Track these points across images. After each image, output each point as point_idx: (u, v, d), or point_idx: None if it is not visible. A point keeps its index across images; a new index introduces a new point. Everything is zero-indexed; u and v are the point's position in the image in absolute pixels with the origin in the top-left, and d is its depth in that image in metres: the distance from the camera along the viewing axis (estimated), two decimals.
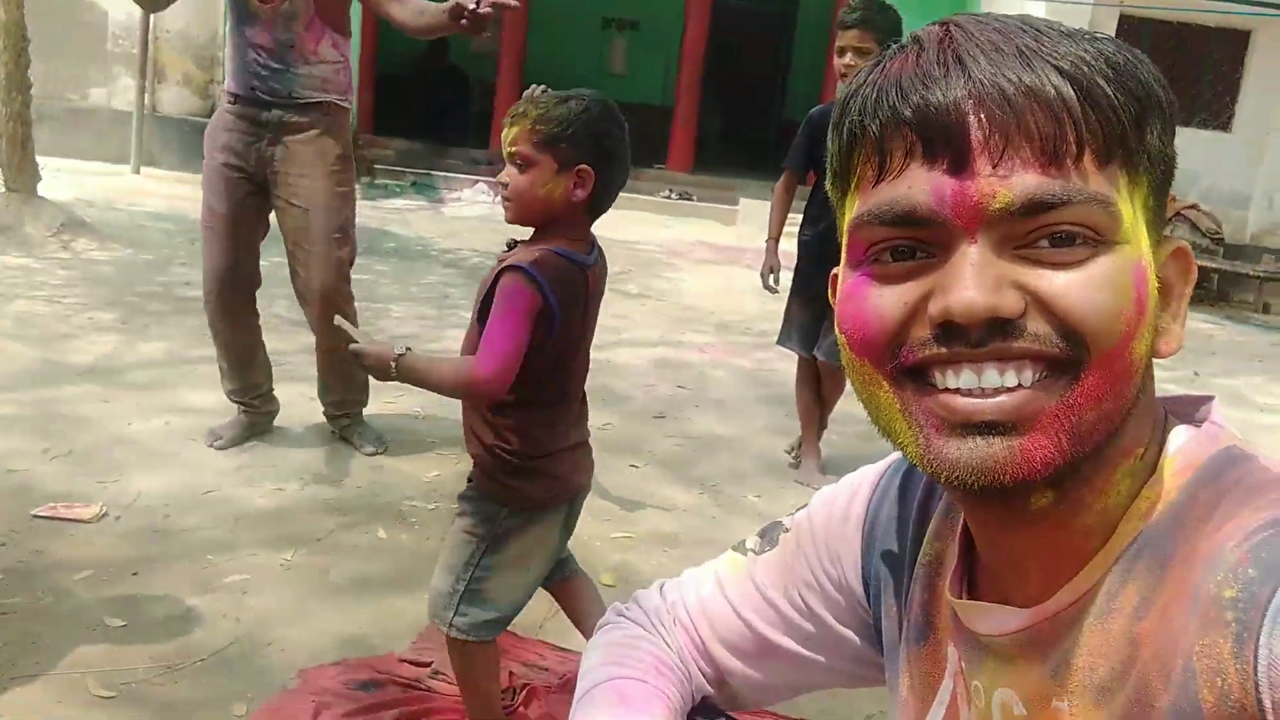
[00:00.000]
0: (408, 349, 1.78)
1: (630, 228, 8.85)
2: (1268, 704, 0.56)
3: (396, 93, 12.56)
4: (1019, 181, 0.64)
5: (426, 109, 13.10)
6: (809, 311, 3.64)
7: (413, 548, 2.77)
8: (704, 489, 3.48)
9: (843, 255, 0.74)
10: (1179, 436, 0.72)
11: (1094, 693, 0.67)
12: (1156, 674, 0.63)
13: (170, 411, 3.58)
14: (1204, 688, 0.60)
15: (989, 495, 0.66)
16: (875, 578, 0.91)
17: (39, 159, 6.48)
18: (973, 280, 0.64)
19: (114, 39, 10.19)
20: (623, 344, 5.25)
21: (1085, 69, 0.65)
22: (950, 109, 0.64)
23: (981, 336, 0.64)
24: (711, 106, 13.76)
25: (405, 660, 2.21)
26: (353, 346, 1.79)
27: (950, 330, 0.65)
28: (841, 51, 3.36)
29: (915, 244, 0.67)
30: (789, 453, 3.88)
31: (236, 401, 3.40)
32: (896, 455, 0.92)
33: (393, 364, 1.74)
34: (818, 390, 3.71)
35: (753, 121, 15.62)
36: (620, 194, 1.89)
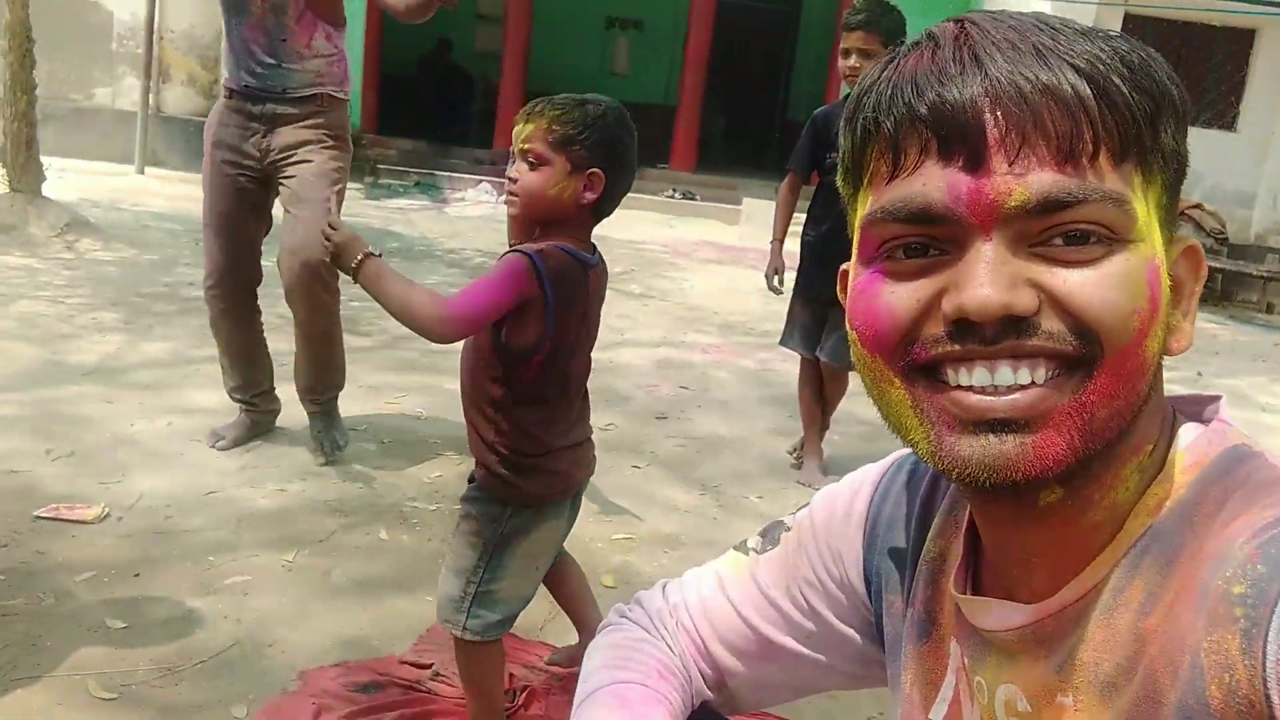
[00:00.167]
0: (381, 253, 1.75)
1: (633, 227, 8.85)
2: (1276, 700, 0.56)
3: (400, 93, 12.59)
4: (1035, 179, 0.64)
5: (430, 109, 13.12)
6: (811, 312, 3.64)
7: (414, 549, 2.76)
8: (706, 490, 3.47)
9: (854, 251, 0.74)
10: (1188, 434, 0.72)
11: (1099, 688, 0.67)
12: (1164, 670, 0.63)
13: (173, 412, 3.57)
14: (1212, 684, 0.60)
15: (1000, 492, 0.67)
16: (877, 575, 0.91)
17: (43, 159, 6.49)
18: (987, 278, 0.64)
19: (119, 39, 10.22)
20: (625, 344, 5.24)
21: (1101, 67, 0.65)
22: (967, 106, 0.64)
23: (995, 334, 0.64)
24: (715, 106, 13.77)
25: (406, 662, 2.20)
26: (330, 219, 1.77)
27: (964, 327, 0.65)
28: (846, 53, 3.36)
29: (929, 241, 0.67)
30: (791, 453, 3.88)
31: (238, 400, 3.39)
32: (899, 453, 0.93)
33: (360, 256, 1.70)
34: (820, 391, 3.70)
35: (756, 121, 15.63)
36: None
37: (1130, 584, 0.68)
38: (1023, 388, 0.65)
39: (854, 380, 3.40)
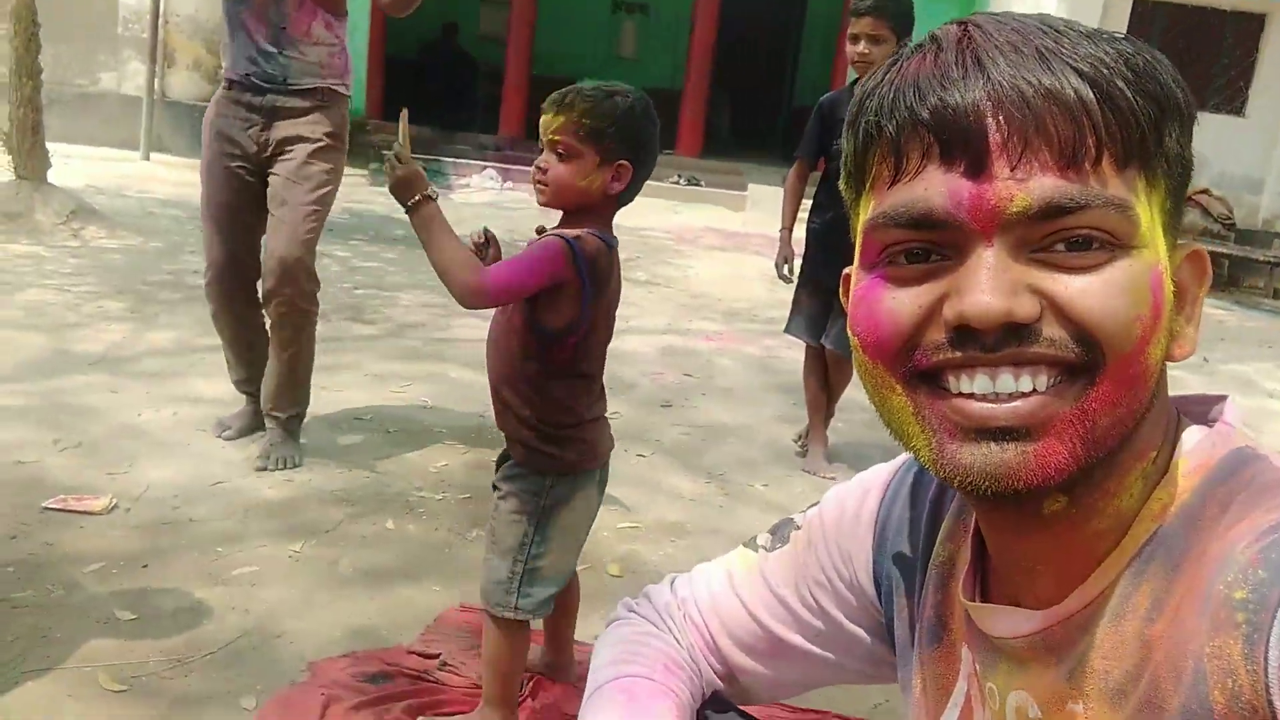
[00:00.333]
0: (438, 196, 1.80)
1: (639, 214, 8.80)
2: (1278, 705, 0.56)
3: (405, 78, 12.55)
4: (1037, 185, 0.63)
5: (435, 94, 13.08)
6: (817, 300, 3.63)
7: (421, 538, 2.77)
8: (711, 478, 3.47)
9: (856, 256, 0.74)
10: (1191, 437, 0.72)
11: (1109, 695, 0.67)
12: (1168, 675, 0.63)
13: (179, 401, 3.58)
14: (1215, 689, 0.60)
15: (1002, 500, 0.66)
16: (887, 578, 0.91)
17: (49, 145, 6.46)
18: (989, 284, 0.64)
19: (124, 23, 10.20)
20: (630, 331, 5.24)
21: (1105, 71, 0.64)
22: (969, 110, 0.64)
23: (997, 341, 0.64)
24: (721, 91, 13.71)
25: (414, 652, 2.21)
26: (395, 148, 1.81)
27: (965, 334, 0.65)
28: (854, 39, 3.34)
29: (930, 246, 0.67)
30: (796, 441, 3.88)
31: (244, 391, 3.40)
32: (908, 455, 0.92)
33: (419, 196, 1.77)
34: (825, 378, 3.70)
35: (763, 106, 15.56)
36: None
37: (1137, 590, 0.67)
38: (1024, 395, 0.65)
39: None
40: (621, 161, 1.84)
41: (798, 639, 0.96)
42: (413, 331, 4.92)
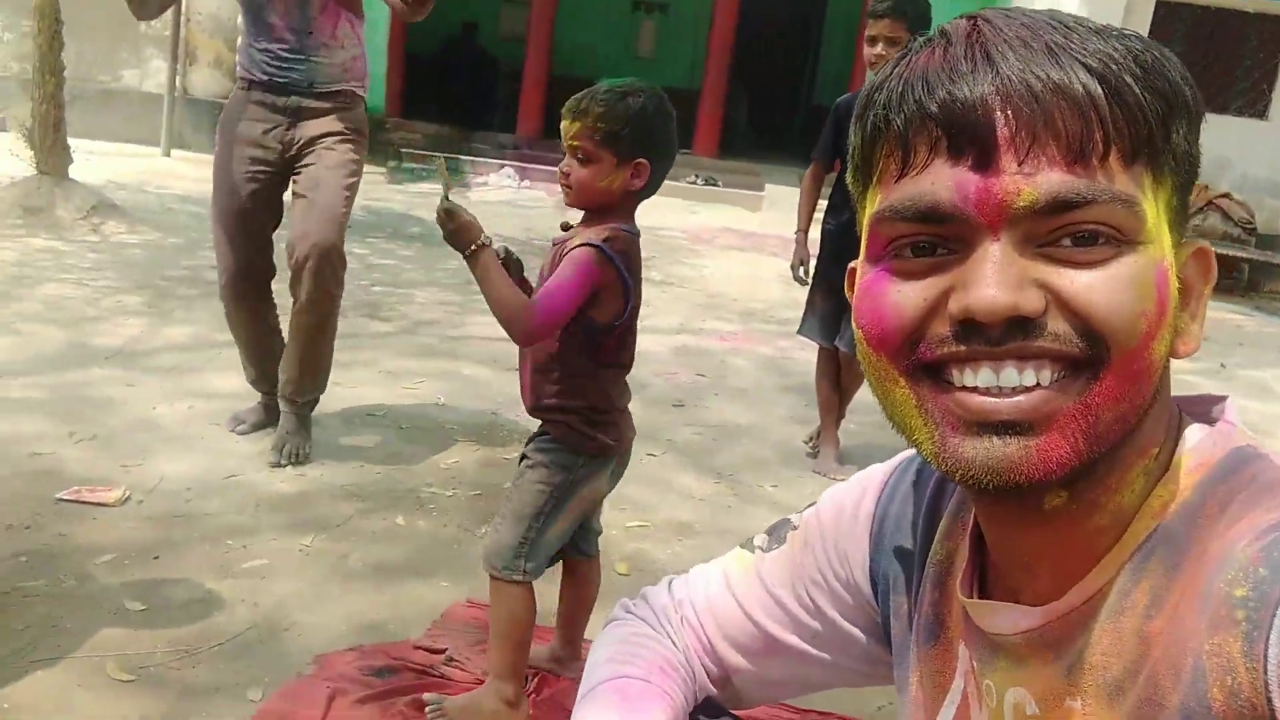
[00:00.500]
0: (492, 242, 1.86)
1: (655, 213, 8.79)
2: (1278, 703, 0.56)
3: (425, 76, 12.59)
4: (1044, 180, 0.63)
5: (454, 93, 13.12)
6: (831, 301, 3.62)
7: (431, 534, 2.78)
8: (721, 478, 3.47)
9: (862, 249, 0.74)
10: (1193, 435, 0.72)
11: (1107, 692, 0.67)
12: (1167, 673, 0.63)
13: (194, 396, 3.60)
14: (1214, 686, 0.60)
15: (1003, 495, 0.67)
16: (884, 576, 0.91)
17: (70, 141, 6.51)
18: (994, 278, 0.64)
19: (146, 21, 10.26)
20: (643, 331, 5.16)
21: (1114, 67, 0.64)
22: (977, 105, 0.64)
23: (1001, 335, 0.64)
24: (739, 91, 13.68)
25: (420, 647, 2.21)
26: (445, 204, 1.87)
27: (970, 328, 0.65)
28: (872, 41, 3.34)
29: (937, 240, 0.67)
30: (807, 443, 3.87)
31: (258, 389, 3.41)
32: (906, 453, 0.93)
33: (474, 245, 1.84)
34: (837, 380, 3.70)
35: (781, 107, 15.52)
36: None
37: (1136, 587, 0.67)
38: (1027, 389, 0.65)
39: None
40: (639, 160, 1.91)
41: (793, 639, 0.96)
42: (427, 329, 4.94)
